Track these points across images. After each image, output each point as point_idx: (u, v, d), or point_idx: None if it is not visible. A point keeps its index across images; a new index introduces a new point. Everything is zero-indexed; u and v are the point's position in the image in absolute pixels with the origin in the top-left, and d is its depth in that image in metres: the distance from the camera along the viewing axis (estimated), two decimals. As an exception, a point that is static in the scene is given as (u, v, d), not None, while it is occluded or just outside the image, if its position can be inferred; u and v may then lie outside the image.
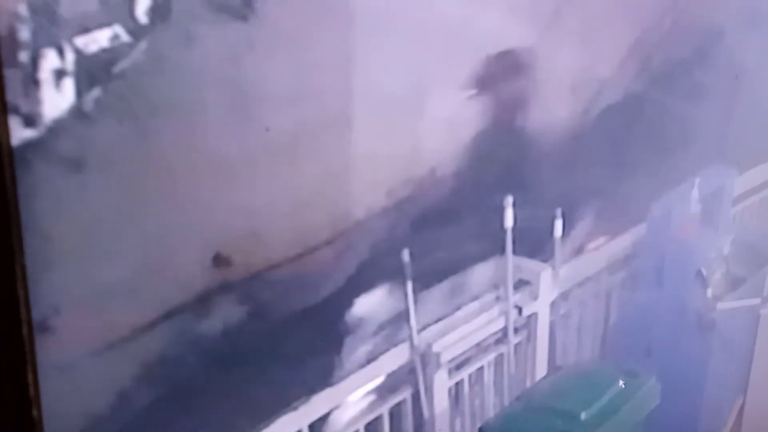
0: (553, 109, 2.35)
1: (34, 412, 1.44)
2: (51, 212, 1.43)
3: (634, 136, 2.65)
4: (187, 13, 1.53)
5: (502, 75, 2.15)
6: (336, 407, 2.05)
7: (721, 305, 3.07)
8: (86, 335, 1.54)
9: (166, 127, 1.57)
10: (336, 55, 1.79)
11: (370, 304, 2.06)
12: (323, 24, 1.76)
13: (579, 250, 2.61)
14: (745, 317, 3.37)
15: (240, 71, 1.65)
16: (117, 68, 1.47)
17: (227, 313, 1.75)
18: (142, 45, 1.49)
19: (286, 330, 1.86)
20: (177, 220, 1.62)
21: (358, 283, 2.00)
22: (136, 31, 1.48)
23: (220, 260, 1.71)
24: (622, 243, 2.77)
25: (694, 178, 2.91)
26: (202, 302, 1.70)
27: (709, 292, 3.06)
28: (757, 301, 3.33)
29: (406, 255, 2.09)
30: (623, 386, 2.35)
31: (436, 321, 2.24)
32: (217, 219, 1.69)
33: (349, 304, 2.00)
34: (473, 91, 2.10)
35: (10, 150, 1.33)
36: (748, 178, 3.22)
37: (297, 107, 1.74)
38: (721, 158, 3.00)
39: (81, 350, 1.54)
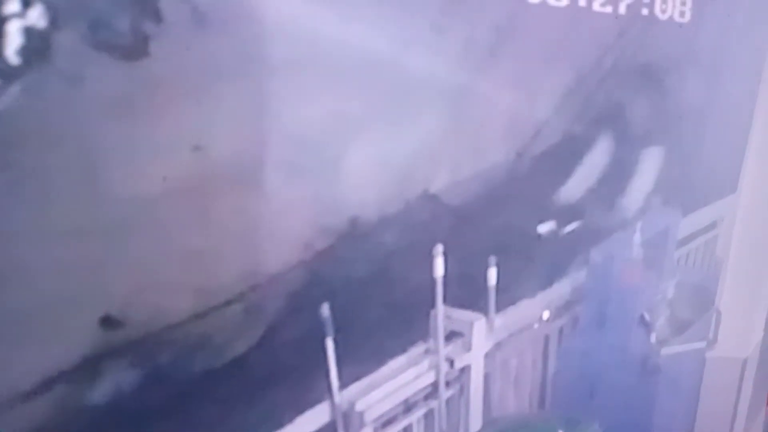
0: (486, 152, 2.23)
1: None
2: None
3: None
4: (69, 53, 1.38)
5: (429, 117, 2.02)
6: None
7: (665, 350, 3.02)
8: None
9: (47, 177, 1.41)
10: (245, 100, 1.65)
11: (286, 363, 1.91)
12: (232, 68, 1.61)
13: (515, 299, 2.49)
14: (690, 361, 3.32)
15: (134, 116, 1.50)
16: (-16, 114, 1.32)
17: (118, 379, 1.59)
18: (15, 88, 1.34)
19: (187, 395, 1.70)
20: (56, 280, 1.46)
21: (272, 342, 1.85)
22: (7, 73, 1.33)
23: (109, 322, 1.55)
24: (561, 289, 2.65)
25: (637, 222, 2.84)
26: (88, 368, 1.54)
27: (653, 338, 3.00)
28: (702, 344, 3.28)
29: (326, 310, 1.95)
30: (563, 435, 2.29)
31: (360, 378, 2.10)
32: (105, 278, 1.53)
33: (261, 364, 1.84)
34: (398, 133, 1.98)
35: None
36: (693, 220, 3.14)
37: (198, 154, 1.60)
38: (665, 201, 2.91)
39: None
